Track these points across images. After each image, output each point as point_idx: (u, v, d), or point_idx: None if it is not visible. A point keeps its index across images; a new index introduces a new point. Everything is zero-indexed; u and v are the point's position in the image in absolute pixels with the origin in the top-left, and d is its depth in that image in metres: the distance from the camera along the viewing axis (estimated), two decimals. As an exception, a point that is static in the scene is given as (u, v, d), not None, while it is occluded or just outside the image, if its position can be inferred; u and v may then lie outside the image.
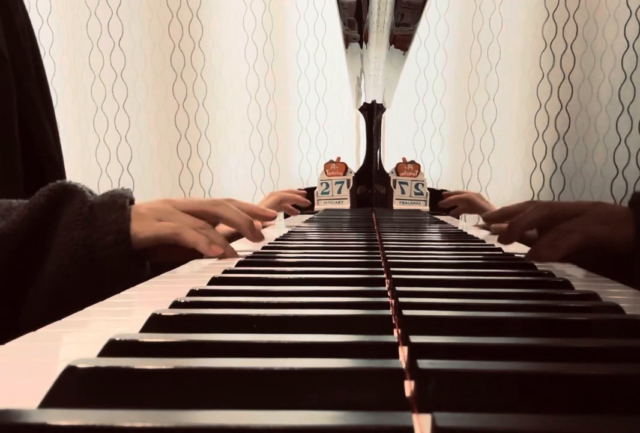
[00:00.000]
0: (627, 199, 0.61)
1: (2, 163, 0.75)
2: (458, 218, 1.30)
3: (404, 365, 0.21)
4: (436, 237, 0.78)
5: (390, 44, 0.82)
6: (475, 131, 1.64)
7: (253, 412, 0.18)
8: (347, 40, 0.84)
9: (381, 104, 1.37)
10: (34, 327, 0.32)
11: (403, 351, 0.26)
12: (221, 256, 0.61)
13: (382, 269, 0.46)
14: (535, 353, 0.24)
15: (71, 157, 1.60)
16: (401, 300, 0.32)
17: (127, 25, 1.66)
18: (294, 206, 1.23)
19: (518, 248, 0.64)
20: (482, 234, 0.88)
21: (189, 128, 1.68)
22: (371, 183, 1.41)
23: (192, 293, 0.37)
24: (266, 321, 0.29)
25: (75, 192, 0.58)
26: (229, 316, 0.30)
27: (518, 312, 0.31)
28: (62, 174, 0.87)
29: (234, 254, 0.62)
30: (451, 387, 0.20)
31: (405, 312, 0.29)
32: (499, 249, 0.63)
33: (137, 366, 0.21)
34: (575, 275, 0.51)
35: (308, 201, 1.23)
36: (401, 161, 1.34)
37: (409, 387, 0.22)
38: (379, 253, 0.57)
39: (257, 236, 0.65)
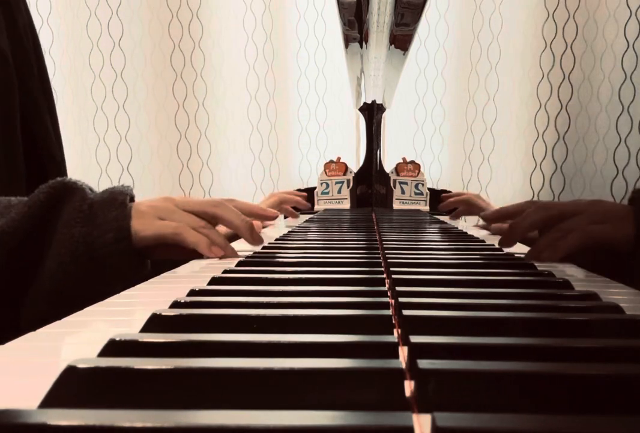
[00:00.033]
0: (627, 198, 0.61)
1: (5, 162, 0.75)
2: (458, 218, 1.30)
3: (404, 365, 0.21)
4: (436, 237, 0.78)
5: (390, 44, 0.82)
6: (475, 131, 1.64)
7: (253, 412, 0.18)
8: (347, 40, 0.84)
9: (381, 104, 1.37)
10: (34, 326, 0.32)
11: (403, 351, 0.26)
12: (221, 256, 0.61)
13: (382, 269, 0.46)
14: (535, 353, 0.24)
15: (71, 157, 1.60)
16: (401, 300, 0.32)
17: (127, 25, 1.66)
18: (294, 208, 1.23)
19: (518, 248, 0.64)
20: (482, 234, 0.88)
21: (189, 128, 1.68)
22: (371, 183, 1.41)
23: (192, 293, 0.37)
24: (266, 321, 0.29)
25: (75, 189, 0.58)
26: (229, 316, 0.30)
27: (518, 312, 0.31)
28: (63, 174, 0.87)
29: (234, 254, 0.62)
30: (451, 387, 0.20)
31: (405, 312, 0.29)
32: (499, 249, 0.63)
33: (137, 366, 0.21)
34: (575, 275, 0.51)
35: (308, 204, 1.23)
36: (401, 161, 1.34)
37: (409, 387, 0.22)
38: (379, 253, 0.57)
39: (256, 240, 0.65)
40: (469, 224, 1.20)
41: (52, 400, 0.20)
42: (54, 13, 1.66)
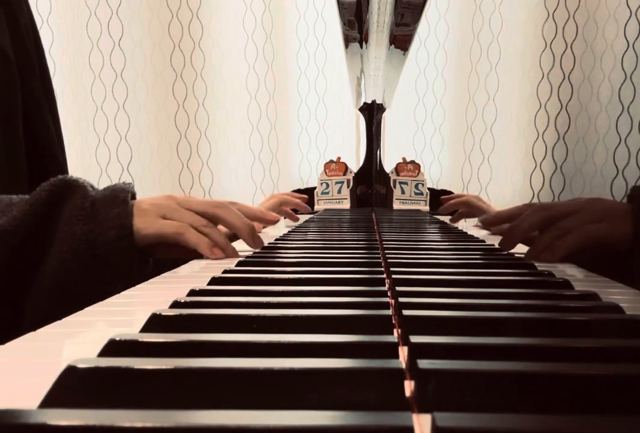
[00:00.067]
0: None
1: (7, 162, 0.75)
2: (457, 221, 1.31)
3: (404, 365, 0.21)
4: (436, 237, 0.78)
5: (390, 44, 0.82)
6: (475, 131, 1.64)
7: (253, 412, 0.18)
8: (347, 40, 0.84)
9: (381, 104, 1.37)
10: (36, 325, 0.32)
11: (403, 351, 0.26)
12: (222, 257, 0.61)
13: (382, 269, 0.46)
14: (535, 353, 0.24)
15: (71, 157, 1.60)
16: (401, 300, 0.32)
17: (127, 25, 1.66)
18: (294, 211, 1.23)
19: (518, 248, 0.64)
20: (482, 234, 0.88)
21: (189, 128, 1.68)
22: (371, 183, 1.41)
23: (192, 293, 0.37)
24: (266, 321, 0.29)
25: (76, 187, 0.58)
26: (229, 316, 0.30)
27: (518, 312, 0.31)
28: (65, 174, 0.87)
29: (235, 254, 0.62)
30: (451, 387, 0.20)
31: (405, 312, 0.29)
32: (499, 249, 0.63)
33: (137, 366, 0.21)
34: (575, 275, 0.51)
35: (308, 207, 1.23)
36: (401, 161, 1.34)
37: (409, 387, 0.22)
38: (379, 253, 0.57)
39: (257, 243, 0.65)
40: (469, 224, 1.20)
41: (52, 400, 0.20)
42: (54, 13, 1.66)
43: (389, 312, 0.30)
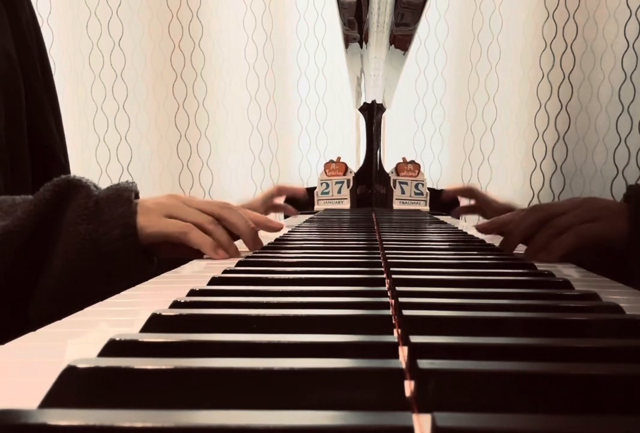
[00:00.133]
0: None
1: (11, 163, 0.75)
2: (458, 218, 1.30)
3: (404, 365, 0.21)
4: (436, 237, 0.78)
5: (390, 44, 0.82)
6: (475, 131, 1.64)
7: (253, 412, 0.18)
8: (347, 40, 0.84)
9: (381, 104, 1.37)
10: (41, 324, 0.32)
11: (403, 351, 0.26)
12: (225, 257, 0.61)
13: (382, 269, 0.46)
14: (535, 353, 0.24)
15: (71, 157, 1.59)
16: (401, 300, 0.32)
17: (127, 25, 1.66)
18: (293, 204, 1.22)
19: (518, 248, 0.64)
20: (481, 234, 0.88)
21: (189, 128, 1.68)
22: (371, 183, 1.41)
23: (192, 293, 0.37)
24: (266, 321, 0.29)
25: (80, 186, 0.58)
26: (229, 316, 0.30)
27: (518, 312, 0.31)
28: (67, 173, 0.87)
29: (237, 254, 0.62)
30: (451, 387, 0.20)
31: (405, 312, 0.29)
32: (499, 249, 0.63)
33: (137, 366, 0.21)
34: (575, 275, 0.51)
35: (306, 194, 1.21)
36: (401, 161, 1.34)
37: (409, 387, 0.22)
38: (379, 253, 0.57)
39: (257, 246, 0.65)
40: (469, 224, 1.20)
41: (52, 400, 0.20)
42: (54, 13, 1.66)
43: (389, 312, 0.30)
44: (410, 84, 1.66)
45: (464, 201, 1.22)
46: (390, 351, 0.24)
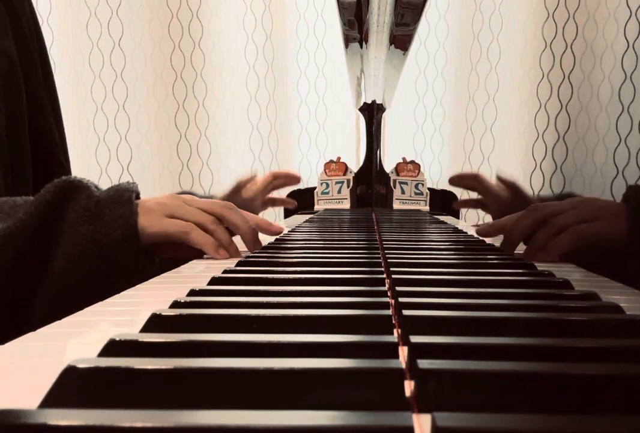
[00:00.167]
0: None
1: (12, 163, 0.75)
2: (459, 210, 1.30)
3: (404, 365, 0.21)
4: (436, 237, 0.78)
5: (390, 44, 0.82)
6: (475, 131, 1.64)
7: (253, 412, 0.18)
8: (347, 40, 0.84)
9: (381, 104, 1.37)
10: (42, 324, 0.32)
11: (403, 351, 0.26)
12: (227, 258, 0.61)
13: (382, 269, 0.46)
14: (535, 353, 0.24)
15: (71, 157, 1.59)
16: (401, 300, 0.32)
17: (127, 25, 1.66)
18: (292, 200, 1.22)
19: (518, 248, 0.64)
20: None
21: (189, 128, 1.68)
22: (371, 183, 1.41)
23: (192, 293, 0.37)
24: (266, 321, 0.29)
25: (80, 187, 0.58)
26: (229, 316, 0.30)
27: (518, 312, 0.31)
28: (68, 174, 0.87)
29: (237, 254, 0.62)
30: (451, 387, 0.20)
31: (405, 312, 0.29)
32: (499, 249, 0.63)
33: (137, 366, 0.21)
34: (575, 275, 0.51)
35: (301, 178, 1.20)
36: (401, 161, 1.34)
37: (409, 387, 0.22)
38: (379, 253, 0.57)
39: (256, 247, 0.65)
40: (469, 224, 1.20)
41: (52, 400, 0.20)
42: (54, 13, 1.66)
43: (389, 312, 0.30)
44: (410, 84, 1.66)
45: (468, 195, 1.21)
46: (390, 351, 0.24)
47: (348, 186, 1.34)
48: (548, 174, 1.57)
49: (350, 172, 1.36)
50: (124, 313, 0.36)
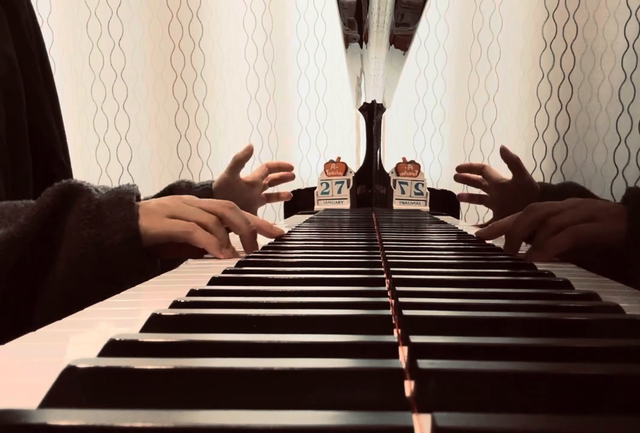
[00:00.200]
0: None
1: (12, 165, 0.74)
2: (458, 213, 1.30)
3: (404, 365, 0.21)
4: (436, 237, 0.78)
5: (390, 44, 0.82)
6: (475, 131, 1.64)
7: (253, 412, 0.18)
8: (347, 40, 0.84)
9: (381, 104, 1.37)
10: (42, 324, 0.32)
11: (403, 351, 0.26)
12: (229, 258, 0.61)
13: (382, 269, 0.46)
14: (535, 353, 0.24)
15: (71, 157, 1.59)
16: (401, 300, 0.32)
17: (127, 25, 1.66)
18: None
19: (520, 248, 0.64)
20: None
21: (189, 128, 1.68)
22: (371, 183, 1.41)
23: (192, 293, 0.37)
24: (266, 321, 0.29)
25: (81, 191, 0.58)
26: (229, 316, 0.30)
27: (518, 312, 0.31)
28: (69, 174, 0.86)
29: (235, 254, 0.62)
30: (451, 387, 0.20)
31: (405, 312, 0.29)
32: (499, 249, 0.63)
33: (137, 366, 0.21)
34: (575, 275, 0.51)
35: (292, 166, 1.19)
36: (401, 161, 1.34)
37: (409, 387, 0.22)
38: (379, 253, 0.57)
39: (254, 249, 0.65)
40: (469, 224, 1.20)
41: (52, 400, 0.20)
42: (54, 13, 1.66)
43: (389, 312, 0.30)
44: (410, 84, 1.66)
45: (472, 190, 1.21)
46: (390, 351, 0.24)
47: (348, 186, 1.35)
48: (548, 174, 1.57)
49: (350, 172, 1.36)
50: (124, 313, 0.37)
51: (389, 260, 0.50)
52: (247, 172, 1.09)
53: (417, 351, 0.23)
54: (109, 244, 0.56)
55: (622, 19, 1.35)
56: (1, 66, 0.74)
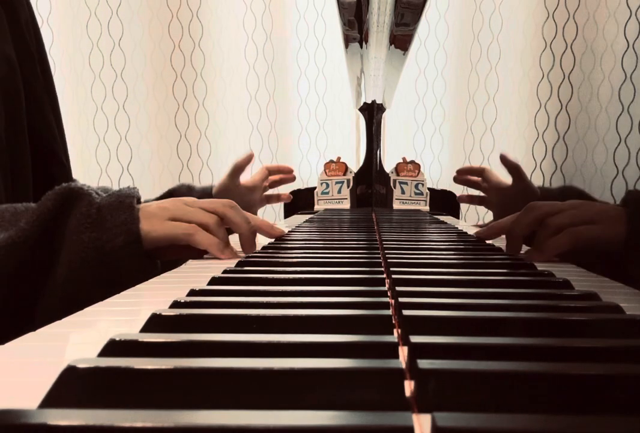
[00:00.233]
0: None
1: (12, 166, 0.74)
2: (458, 213, 1.30)
3: (404, 365, 0.21)
4: (436, 237, 0.78)
5: (390, 44, 0.82)
6: (475, 131, 1.64)
7: (253, 412, 0.18)
8: (347, 40, 0.84)
9: (381, 104, 1.37)
10: (42, 325, 0.32)
11: (403, 351, 0.26)
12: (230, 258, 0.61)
13: (382, 269, 0.46)
14: (535, 353, 0.24)
15: (71, 157, 1.59)
16: (401, 300, 0.32)
17: (127, 25, 1.66)
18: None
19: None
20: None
21: (189, 128, 1.68)
22: (371, 183, 1.41)
23: (192, 293, 0.37)
24: (266, 321, 0.29)
25: (82, 194, 0.57)
26: (229, 316, 0.30)
27: (518, 312, 0.31)
28: (69, 175, 0.86)
29: (234, 255, 0.62)
30: (451, 387, 0.20)
31: (405, 312, 0.29)
32: (499, 249, 0.63)
33: (137, 366, 0.21)
34: (575, 275, 0.51)
35: (292, 169, 1.19)
36: (401, 161, 1.34)
37: (409, 387, 0.22)
38: (379, 253, 0.57)
39: (252, 249, 0.65)
40: (469, 224, 1.20)
41: (52, 400, 0.20)
42: (54, 13, 1.66)
43: (389, 312, 0.30)
44: (410, 84, 1.66)
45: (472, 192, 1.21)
46: (390, 351, 0.24)
47: (348, 186, 1.35)
48: (548, 174, 1.57)
49: (350, 172, 1.36)
50: (124, 313, 0.36)
51: (389, 260, 0.50)
52: (247, 174, 1.09)
53: (417, 351, 0.23)
54: (109, 248, 0.56)
55: (622, 19, 1.35)
56: (0, 66, 0.74)
